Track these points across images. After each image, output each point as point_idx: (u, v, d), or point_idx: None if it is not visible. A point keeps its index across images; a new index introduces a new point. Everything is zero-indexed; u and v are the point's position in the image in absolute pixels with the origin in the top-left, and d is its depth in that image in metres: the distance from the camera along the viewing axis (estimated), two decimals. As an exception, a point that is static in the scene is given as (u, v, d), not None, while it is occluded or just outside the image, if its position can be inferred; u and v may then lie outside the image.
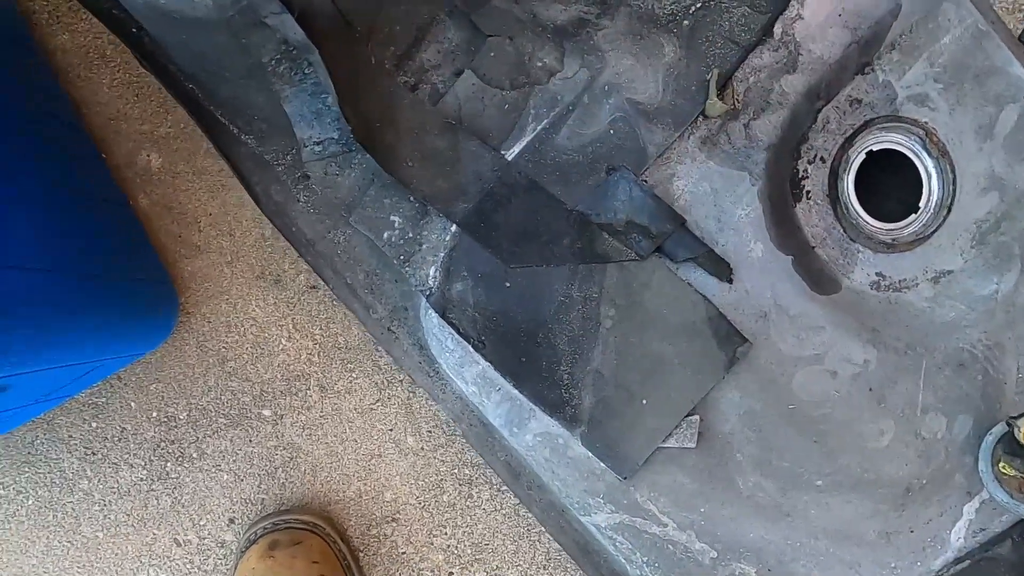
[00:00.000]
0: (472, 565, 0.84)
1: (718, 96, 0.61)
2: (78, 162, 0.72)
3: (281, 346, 0.83)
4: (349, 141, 0.63)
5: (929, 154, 0.67)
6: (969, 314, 0.64)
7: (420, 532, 0.84)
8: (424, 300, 0.62)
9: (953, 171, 0.66)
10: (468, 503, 0.84)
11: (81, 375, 0.69)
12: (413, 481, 0.84)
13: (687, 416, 0.59)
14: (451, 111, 0.62)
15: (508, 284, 0.60)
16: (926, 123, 0.66)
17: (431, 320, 0.61)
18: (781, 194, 0.65)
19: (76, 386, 0.73)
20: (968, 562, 0.62)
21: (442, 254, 0.60)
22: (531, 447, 0.61)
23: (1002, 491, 0.59)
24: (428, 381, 0.65)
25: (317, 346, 0.83)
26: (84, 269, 0.61)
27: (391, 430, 0.83)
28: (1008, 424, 0.58)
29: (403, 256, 0.62)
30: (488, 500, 0.84)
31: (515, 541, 0.84)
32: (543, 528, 0.67)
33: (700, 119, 0.63)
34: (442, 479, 0.84)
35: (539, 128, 0.61)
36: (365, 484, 0.83)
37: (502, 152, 0.61)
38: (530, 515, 0.84)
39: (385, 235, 0.62)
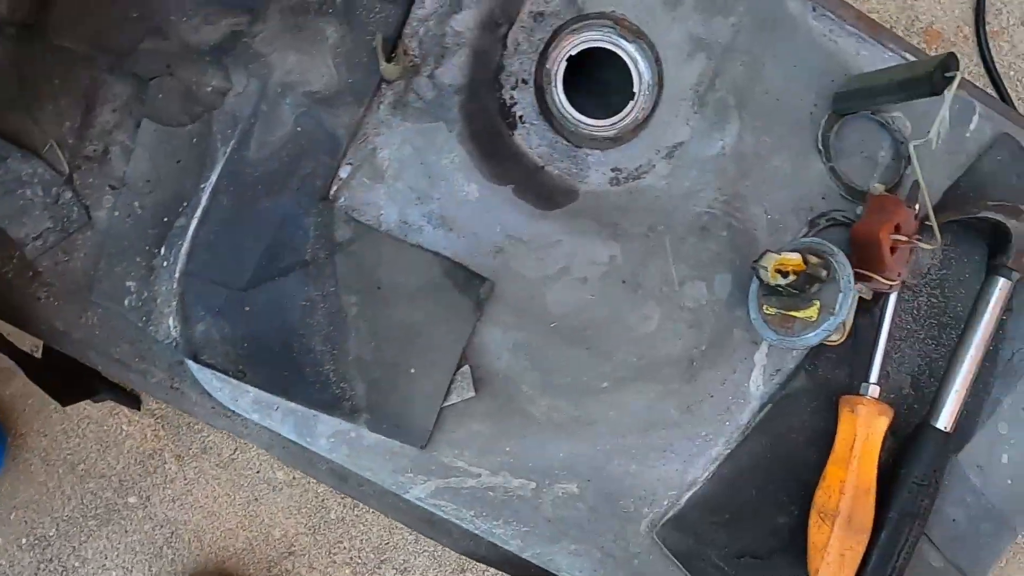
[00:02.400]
0: (380, 568, 0.85)
1: (390, 59, 0.62)
2: None
3: (124, 432, 0.83)
4: (66, 224, 0.64)
5: (626, 40, 0.68)
6: (701, 178, 0.65)
7: (320, 555, 0.85)
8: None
9: (653, 48, 0.67)
10: (356, 513, 0.85)
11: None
12: (296, 511, 0.85)
13: (458, 370, 0.61)
14: (146, 167, 0.62)
15: (248, 308, 0.61)
16: (613, 11, 0.67)
17: (192, 366, 0.62)
18: (491, 128, 0.66)
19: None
20: (771, 406, 0.64)
21: (175, 302, 0.61)
22: (330, 449, 0.62)
23: (769, 331, 0.61)
24: (227, 423, 0.66)
25: (158, 420, 0.83)
26: None
27: (258, 472, 0.84)
28: (753, 268, 0.59)
29: (145, 317, 0.62)
30: (373, 503, 0.85)
31: (414, 532, 0.85)
32: (385, 516, 0.68)
33: (384, 87, 0.63)
34: (323, 499, 0.85)
35: (228, 150, 0.61)
36: (250, 532, 0.84)
37: (203, 185, 0.61)
38: (417, 503, 0.86)
39: (126, 302, 0.63)
